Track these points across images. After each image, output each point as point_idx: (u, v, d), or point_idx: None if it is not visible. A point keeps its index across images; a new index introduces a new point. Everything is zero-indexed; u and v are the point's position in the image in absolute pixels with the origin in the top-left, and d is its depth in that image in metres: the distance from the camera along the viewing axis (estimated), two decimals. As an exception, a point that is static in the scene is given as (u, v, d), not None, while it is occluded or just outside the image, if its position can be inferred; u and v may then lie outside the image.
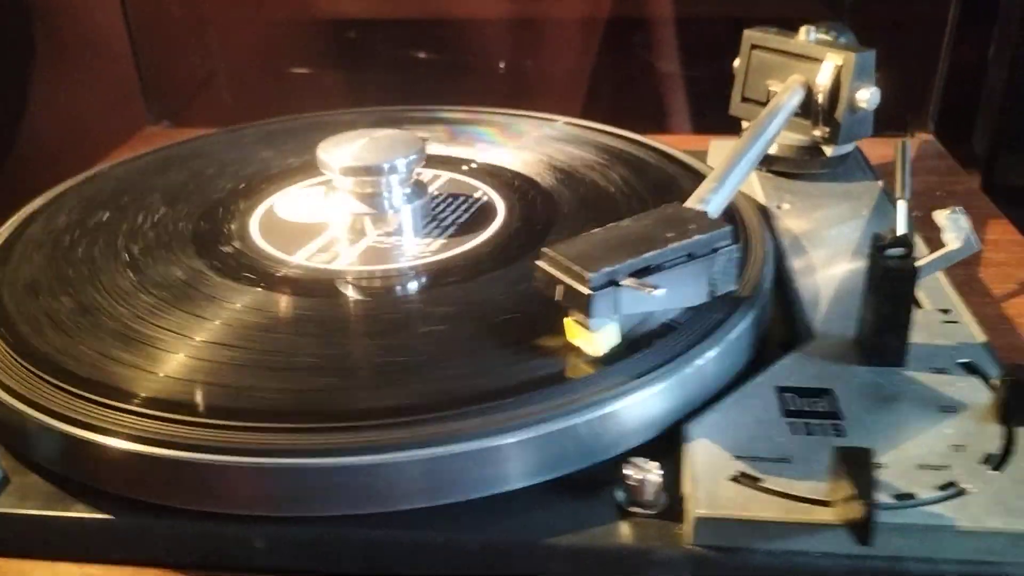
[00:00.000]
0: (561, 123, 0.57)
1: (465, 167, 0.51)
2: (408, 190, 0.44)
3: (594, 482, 0.32)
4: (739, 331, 0.35)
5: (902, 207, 0.43)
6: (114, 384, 0.33)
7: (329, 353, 0.35)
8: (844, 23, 0.57)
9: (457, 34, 0.86)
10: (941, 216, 0.36)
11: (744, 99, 0.55)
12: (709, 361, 0.34)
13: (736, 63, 0.55)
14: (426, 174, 0.49)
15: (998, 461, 0.31)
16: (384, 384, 0.33)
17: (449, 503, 0.30)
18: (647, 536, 0.30)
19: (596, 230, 0.34)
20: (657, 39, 0.85)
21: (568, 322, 0.33)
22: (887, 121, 0.69)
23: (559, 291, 0.32)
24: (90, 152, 0.68)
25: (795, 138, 0.52)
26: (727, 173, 0.40)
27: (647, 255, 0.32)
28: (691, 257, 0.33)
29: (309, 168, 0.47)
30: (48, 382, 0.33)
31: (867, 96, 0.49)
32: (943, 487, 0.30)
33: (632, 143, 0.55)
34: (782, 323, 0.41)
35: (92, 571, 0.31)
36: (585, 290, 0.31)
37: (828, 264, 0.43)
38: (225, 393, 0.33)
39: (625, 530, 0.30)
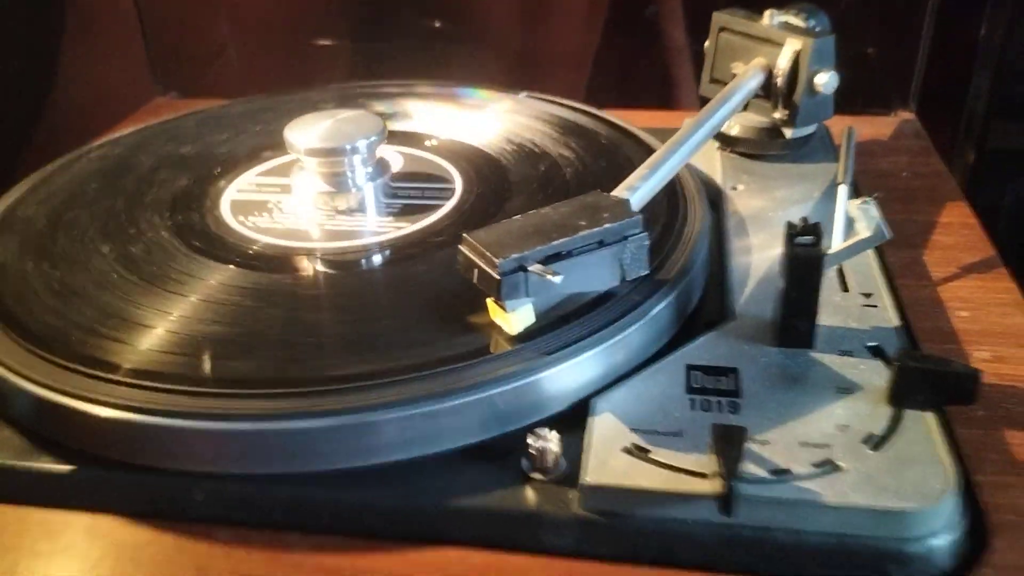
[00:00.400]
0: (523, 96, 0.59)
1: (428, 143, 0.54)
2: (370, 169, 0.47)
3: (507, 449, 0.34)
4: (655, 312, 0.38)
5: (842, 192, 0.45)
6: (78, 352, 0.37)
7: (267, 326, 0.38)
8: (816, 5, 0.58)
9: (470, 4, 0.88)
10: (853, 206, 0.38)
11: (712, 80, 0.56)
12: (620, 341, 0.36)
13: (707, 44, 0.57)
14: (389, 151, 0.51)
15: (878, 441, 0.33)
16: (311, 356, 0.36)
17: (366, 466, 0.33)
18: (542, 501, 0.32)
19: (517, 216, 0.36)
20: (666, 11, 0.85)
21: (489, 302, 0.36)
22: (871, 100, 0.70)
23: (475, 274, 0.35)
24: (106, 120, 0.72)
25: (757, 120, 0.54)
26: (662, 161, 0.42)
27: (557, 242, 0.34)
28: (602, 244, 0.35)
29: (280, 147, 0.50)
30: (24, 348, 0.37)
31: (824, 80, 0.50)
32: (819, 464, 0.32)
33: (593, 118, 0.56)
34: (720, 303, 0.43)
35: (54, 516, 0.34)
36: (495, 275, 0.33)
37: (765, 246, 0.45)
38: (171, 361, 0.36)
39: (524, 495, 0.33)
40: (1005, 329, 0.43)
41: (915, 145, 0.62)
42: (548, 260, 0.34)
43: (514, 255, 0.33)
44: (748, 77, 0.51)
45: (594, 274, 0.36)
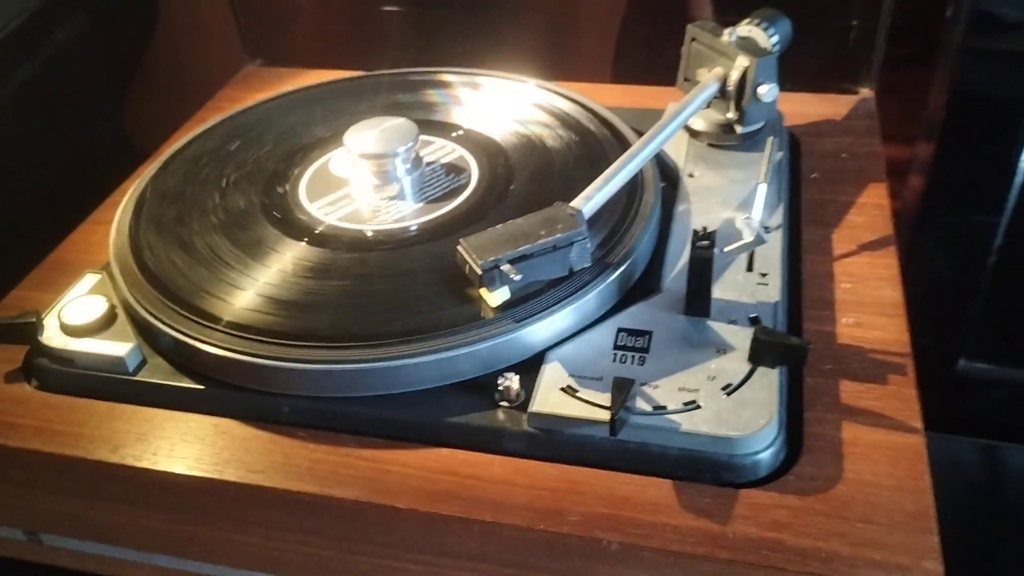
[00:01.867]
0: (532, 84, 0.74)
1: (454, 133, 0.69)
2: (408, 165, 0.63)
3: (487, 385, 0.51)
4: (598, 291, 0.53)
5: (761, 190, 0.59)
6: (205, 308, 0.54)
7: (328, 293, 0.55)
8: (779, 11, 0.69)
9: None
10: (738, 221, 0.52)
11: (685, 79, 0.70)
12: (569, 312, 0.52)
13: (683, 49, 0.70)
14: (424, 142, 0.67)
15: (732, 389, 0.48)
16: (359, 316, 0.53)
17: (394, 393, 0.51)
18: (504, 420, 0.49)
19: (499, 225, 0.52)
20: None
21: (480, 283, 0.52)
22: (843, 75, 0.82)
23: (467, 269, 0.51)
24: (204, 86, 0.88)
25: (717, 116, 0.67)
26: (616, 171, 0.56)
27: (522, 248, 0.50)
28: (555, 248, 0.51)
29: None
30: (167, 305, 0.55)
31: (765, 91, 0.63)
32: (687, 403, 0.48)
33: (582, 108, 0.71)
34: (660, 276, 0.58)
35: (193, 417, 0.53)
36: (478, 271, 0.50)
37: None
38: (261, 318, 0.53)
39: (493, 416, 0.49)
40: (873, 300, 0.57)
41: (861, 126, 0.74)
42: (516, 260, 0.50)
43: (491, 258, 0.49)
44: (706, 86, 0.65)
45: (550, 267, 0.51)
